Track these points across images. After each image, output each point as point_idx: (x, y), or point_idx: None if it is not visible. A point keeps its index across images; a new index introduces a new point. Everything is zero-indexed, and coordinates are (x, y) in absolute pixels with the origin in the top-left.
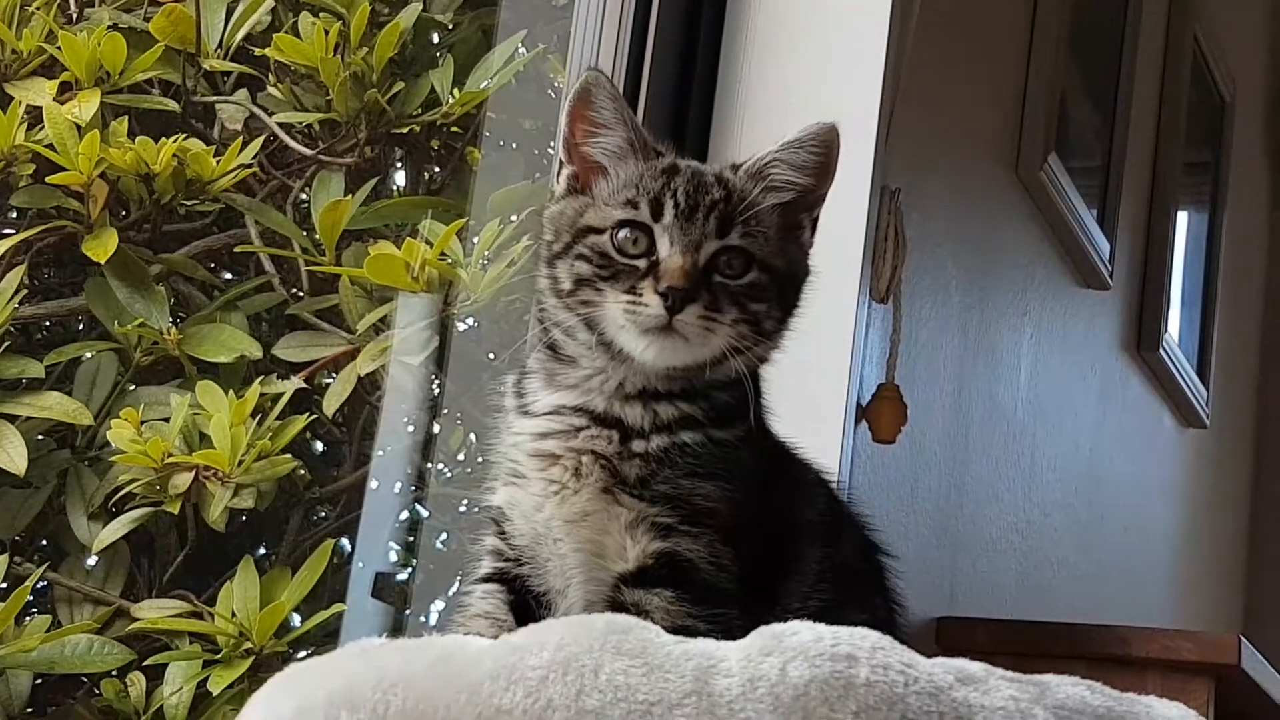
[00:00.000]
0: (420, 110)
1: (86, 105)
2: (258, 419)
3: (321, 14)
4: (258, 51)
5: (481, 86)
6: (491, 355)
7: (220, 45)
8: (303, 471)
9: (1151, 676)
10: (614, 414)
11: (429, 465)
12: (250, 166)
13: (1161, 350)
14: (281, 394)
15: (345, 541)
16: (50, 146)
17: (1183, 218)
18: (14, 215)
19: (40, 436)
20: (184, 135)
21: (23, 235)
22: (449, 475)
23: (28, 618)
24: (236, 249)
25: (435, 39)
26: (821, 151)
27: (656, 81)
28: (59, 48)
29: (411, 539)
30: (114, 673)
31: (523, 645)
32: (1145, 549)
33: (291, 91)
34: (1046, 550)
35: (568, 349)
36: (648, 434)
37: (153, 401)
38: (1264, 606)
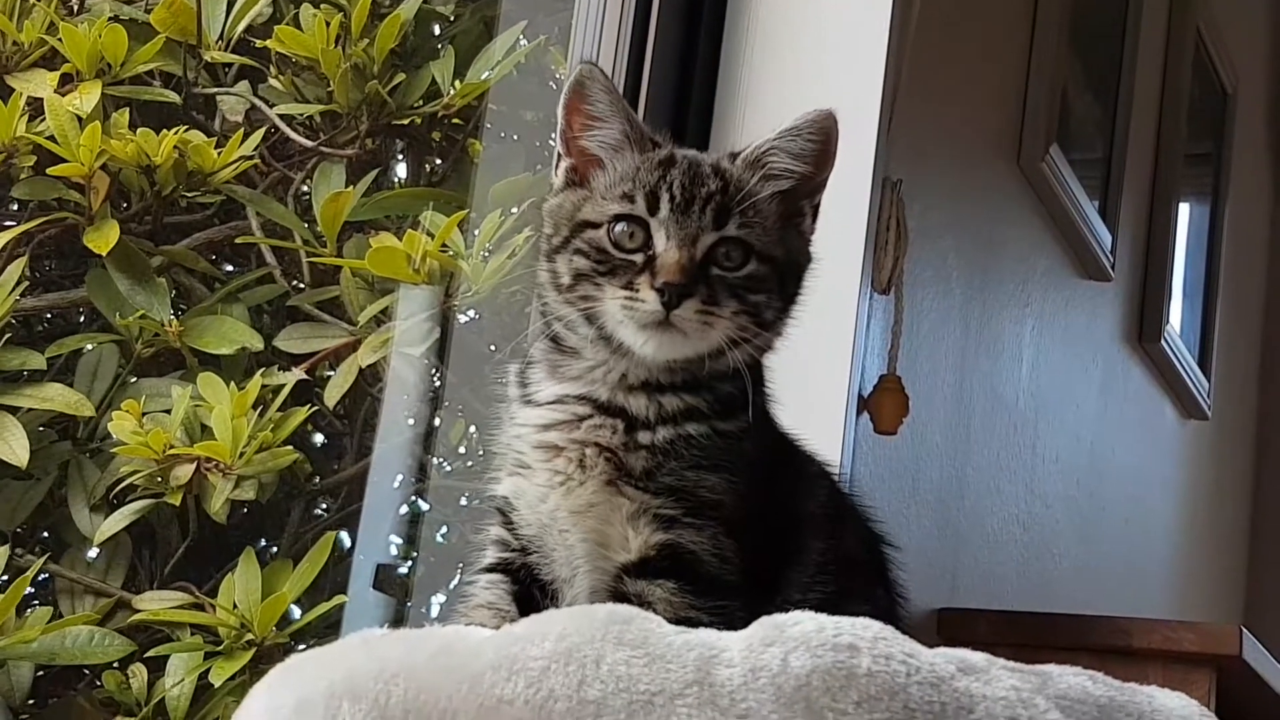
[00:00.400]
0: (421, 102)
1: (87, 97)
2: (259, 411)
3: (322, 5)
4: (259, 43)
5: (482, 78)
6: (493, 347)
7: (221, 37)
8: (304, 463)
9: (1153, 667)
10: (618, 404)
11: (430, 457)
12: (251, 158)
13: (1163, 342)
14: (283, 386)
15: (346, 534)
16: (51, 138)
17: (1184, 209)
18: (15, 207)
19: (41, 428)
20: (185, 127)
21: (24, 227)
22: (449, 469)
23: (29, 609)
24: (237, 241)
25: (436, 30)
26: (820, 138)
27: (658, 73)
28: (60, 39)
29: (412, 531)
30: (115, 664)
31: (524, 636)
32: (1147, 540)
33: (293, 83)
34: (1048, 541)
35: (570, 341)
36: (653, 425)
37: (154, 393)
38: (1265, 597)
